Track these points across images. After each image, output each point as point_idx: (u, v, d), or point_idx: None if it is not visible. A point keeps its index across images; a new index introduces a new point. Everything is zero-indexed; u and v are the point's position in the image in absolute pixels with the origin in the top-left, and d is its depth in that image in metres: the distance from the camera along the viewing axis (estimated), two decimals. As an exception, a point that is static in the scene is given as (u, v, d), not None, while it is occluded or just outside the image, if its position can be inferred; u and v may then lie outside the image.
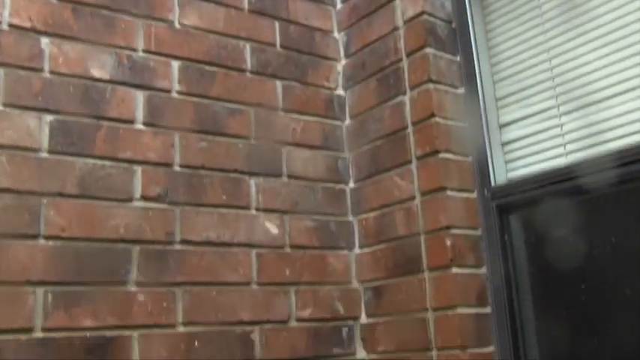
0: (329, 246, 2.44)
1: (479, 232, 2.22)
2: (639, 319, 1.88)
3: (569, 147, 2.11)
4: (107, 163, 2.05)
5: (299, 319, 2.29)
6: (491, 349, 2.13)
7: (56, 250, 1.90)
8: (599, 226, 1.99)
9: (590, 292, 1.98)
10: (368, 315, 2.42)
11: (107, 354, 1.91)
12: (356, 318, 2.43)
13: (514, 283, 2.14)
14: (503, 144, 2.30)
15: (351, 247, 2.49)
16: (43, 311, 1.84)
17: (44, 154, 1.95)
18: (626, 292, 1.91)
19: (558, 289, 2.06)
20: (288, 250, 2.34)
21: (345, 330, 2.39)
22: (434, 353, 2.14)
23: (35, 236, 1.88)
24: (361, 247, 2.48)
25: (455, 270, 2.13)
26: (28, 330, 1.81)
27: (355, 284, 2.46)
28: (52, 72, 2.02)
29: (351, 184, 2.56)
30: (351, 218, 2.53)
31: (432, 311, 2.16)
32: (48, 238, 1.90)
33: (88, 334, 1.89)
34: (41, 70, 2.01)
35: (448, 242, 2.14)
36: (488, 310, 2.16)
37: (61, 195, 1.95)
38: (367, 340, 2.40)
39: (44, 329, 1.83)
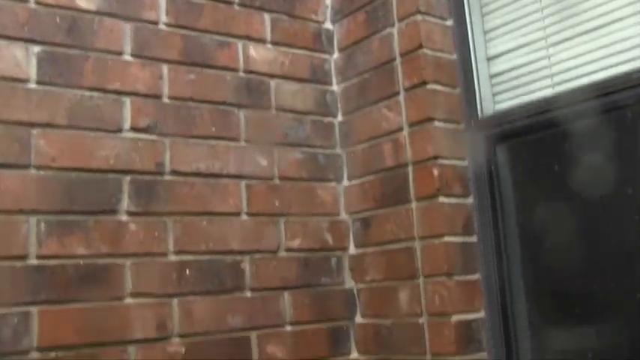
0: (317, 178, 2.47)
1: (466, 163, 2.25)
2: (620, 249, 1.93)
3: (557, 78, 2.13)
4: (96, 94, 2.05)
5: (288, 250, 2.33)
6: (476, 276, 2.18)
7: (47, 180, 1.92)
8: (585, 155, 2.01)
9: (575, 218, 2.01)
10: (356, 245, 2.46)
11: (100, 281, 1.95)
12: (344, 249, 2.47)
13: (500, 212, 2.18)
14: (491, 76, 2.31)
15: (339, 180, 2.52)
16: (37, 239, 1.87)
17: (32, 85, 1.95)
18: (611, 217, 1.94)
19: (544, 216, 2.10)
20: (277, 181, 2.36)
21: (333, 260, 2.44)
22: (420, 281, 2.19)
23: (26, 166, 1.89)
24: (349, 179, 2.51)
25: (442, 199, 2.16)
26: (23, 257, 1.84)
27: (344, 216, 2.50)
28: (37, 2, 2.00)
29: (340, 117, 2.57)
30: (339, 151, 2.55)
31: (419, 240, 2.20)
32: (39, 167, 1.91)
33: (81, 261, 1.92)
34: (27, 0, 1.99)
35: (435, 172, 2.17)
36: (474, 239, 2.20)
37: (51, 126, 1.95)
38: (355, 270, 2.45)
39: (38, 257, 1.86)
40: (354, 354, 2.42)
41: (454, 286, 2.11)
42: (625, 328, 1.91)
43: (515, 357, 2.13)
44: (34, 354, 1.81)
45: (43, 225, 1.88)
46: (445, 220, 2.15)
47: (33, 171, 1.90)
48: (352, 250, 2.47)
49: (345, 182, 2.52)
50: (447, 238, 2.14)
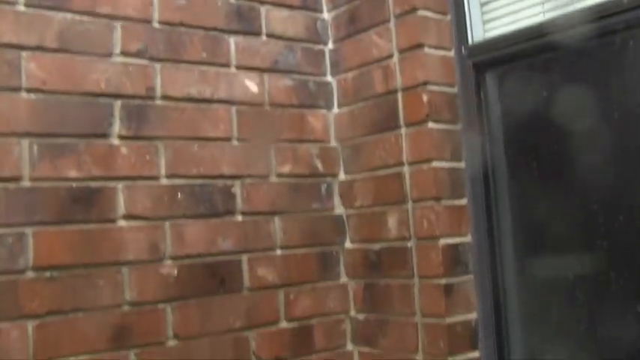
0: (308, 105, 2.48)
1: (455, 90, 2.26)
2: (607, 172, 1.96)
3: (548, 5, 2.12)
4: (86, 18, 2.04)
5: (279, 175, 2.36)
6: (464, 201, 2.21)
7: (39, 103, 1.92)
8: (575, 81, 2.03)
9: (563, 145, 2.04)
10: (346, 172, 2.49)
11: (93, 204, 1.97)
12: (334, 175, 2.50)
13: (488, 138, 2.20)
14: (482, 3, 2.30)
15: (329, 107, 2.53)
16: (30, 162, 1.88)
17: (21, 8, 1.93)
18: (599, 147, 1.97)
19: (531, 143, 2.13)
20: (267, 108, 2.37)
21: (323, 186, 2.47)
22: (409, 205, 2.22)
23: (17, 89, 1.89)
24: (339, 106, 2.52)
25: (431, 125, 2.18)
26: (16, 179, 1.86)
27: (334, 143, 2.52)
28: None
29: (330, 45, 2.56)
30: (329, 78, 2.55)
31: (408, 165, 2.23)
32: (29, 90, 1.91)
33: (74, 184, 1.94)
34: None
35: (425, 98, 2.18)
36: (462, 164, 2.23)
37: (41, 49, 1.95)
38: (345, 196, 2.48)
39: (31, 179, 1.88)
40: (344, 278, 2.47)
41: (442, 210, 2.15)
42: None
43: (500, 280, 2.18)
44: (30, 273, 1.85)
45: (35, 147, 1.89)
46: (434, 145, 2.17)
47: (24, 94, 1.90)
48: (342, 176, 2.50)
49: (335, 109, 2.53)
50: (435, 164, 2.16)
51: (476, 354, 2.18)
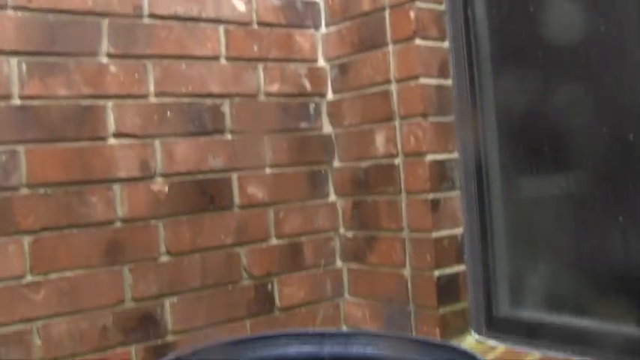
0: (296, 24, 2.47)
1: (442, 7, 2.25)
2: (594, 88, 1.98)
3: None
4: (69, -64, 2.02)
5: (267, 94, 2.37)
6: (451, 118, 2.24)
7: (26, 21, 1.91)
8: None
9: (553, 59, 2.04)
10: (334, 91, 2.50)
11: (83, 122, 1.99)
12: (322, 95, 2.52)
13: (475, 55, 2.21)
14: None
15: (317, 27, 2.53)
16: (19, 80, 1.89)
17: None
18: (586, 61, 1.98)
19: (520, 59, 2.14)
20: (255, 27, 2.37)
21: (312, 106, 2.48)
22: (397, 122, 2.25)
23: (2, 6, 1.88)
24: (327, 25, 2.52)
25: (418, 42, 2.18)
26: (6, 97, 1.87)
27: (322, 62, 2.52)
28: None
29: (317, -37, 2.55)
30: (317, -3, 2.55)
31: (396, 83, 2.24)
32: (16, 8, 1.90)
33: (64, 102, 1.96)
34: None
35: (412, 15, 2.18)
36: (449, 82, 2.24)
37: (26, -34, 1.94)
38: (333, 115, 2.50)
39: (21, 97, 1.89)
40: (332, 197, 2.51)
41: (429, 126, 2.18)
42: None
43: (487, 196, 2.22)
44: (24, 190, 1.88)
45: (24, 66, 1.90)
46: (421, 62, 2.18)
47: (10, 12, 1.89)
48: (330, 96, 2.52)
49: (323, 29, 2.53)
50: (422, 80, 2.18)
51: (462, 267, 2.23)
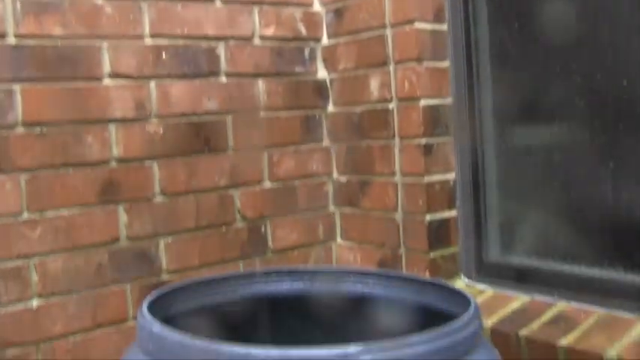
0: (291, -32, 2.47)
1: (439, -49, 2.25)
2: (587, 38, 1.98)
3: None
4: None
5: (262, 37, 2.37)
6: (446, 63, 2.24)
7: (20, -41, 1.91)
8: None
9: (549, 15, 2.04)
10: (329, 36, 2.50)
11: (79, 62, 1.99)
12: (317, 39, 2.52)
13: (471, 1, 2.21)
14: None
15: (313, -30, 2.52)
16: (14, 18, 1.89)
17: None
18: (580, 12, 1.98)
19: (514, 5, 2.13)
20: (250, -31, 2.36)
21: (307, 51, 2.49)
22: (391, 67, 2.25)
23: (-3, -56, 1.88)
24: (323, -31, 2.51)
25: (414, -14, 2.19)
26: (2, 36, 1.87)
27: (317, 7, 2.51)
28: None
29: None
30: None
31: (391, 27, 2.24)
32: (11, -54, 1.90)
33: (59, 42, 1.96)
34: None
35: (408, -42, 2.18)
36: (444, 27, 2.24)
37: None
38: (328, 60, 2.51)
39: (16, 35, 1.89)
40: (326, 141, 2.53)
41: (423, 71, 2.19)
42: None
43: (479, 143, 2.23)
44: (20, 129, 1.89)
45: (18, 4, 1.90)
46: (416, 6, 2.18)
47: (5, -51, 1.89)
48: (325, 40, 2.52)
49: (319, -28, 2.53)
50: (417, 25, 2.18)
51: (453, 213, 2.26)
